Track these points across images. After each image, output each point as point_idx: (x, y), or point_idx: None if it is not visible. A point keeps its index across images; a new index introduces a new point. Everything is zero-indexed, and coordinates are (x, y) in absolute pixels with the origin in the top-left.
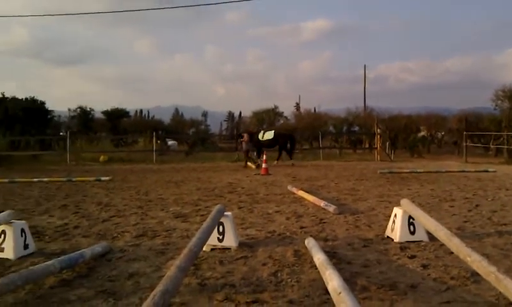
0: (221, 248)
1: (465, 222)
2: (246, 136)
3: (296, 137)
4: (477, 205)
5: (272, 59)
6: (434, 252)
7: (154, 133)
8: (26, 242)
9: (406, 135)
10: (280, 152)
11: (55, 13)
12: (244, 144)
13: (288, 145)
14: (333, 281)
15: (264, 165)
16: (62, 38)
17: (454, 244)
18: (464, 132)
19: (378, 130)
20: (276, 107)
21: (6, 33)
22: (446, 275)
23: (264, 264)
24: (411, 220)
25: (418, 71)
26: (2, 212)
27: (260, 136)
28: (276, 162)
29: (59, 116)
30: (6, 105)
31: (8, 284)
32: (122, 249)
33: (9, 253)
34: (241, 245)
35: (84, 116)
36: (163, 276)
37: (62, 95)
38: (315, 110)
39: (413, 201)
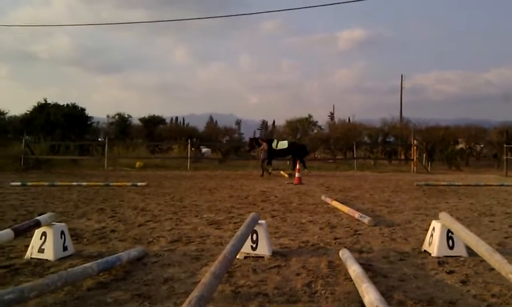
0: (255, 256)
1: (506, 238)
2: (265, 145)
3: (307, 147)
4: None
5: (307, 69)
6: (473, 268)
7: (189, 141)
8: (65, 244)
9: (444, 147)
10: (302, 161)
11: (96, 22)
12: (262, 153)
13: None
14: (369, 295)
15: (297, 175)
16: (103, 47)
17: (496, 260)
18: (505, 145)
19: (415, 141)
20: (310, 116)
21: (50, 41)
22: (486, 292)
23: (298, 274)
24: (449, 234)
25: (457, 82)
26: (43, 214)
27: (273, 145)
28: (306, 171)
29: (98, 122)
30: (48, 110)
31: (48, 284)
32: (157, 253)
33: (49, 254)
34: (274, 254)
35: (122, 122)
36: (197, 282)
37: (101, 102)
38: (349, 120)
39: (452, 215)
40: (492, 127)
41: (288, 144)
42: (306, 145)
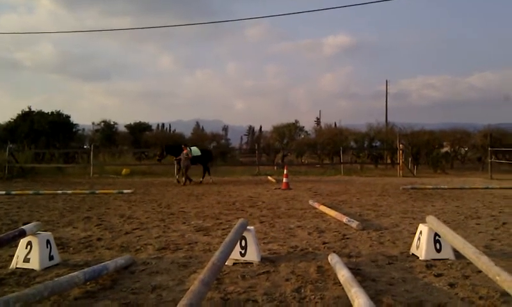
0: (244, 262)
1: (492, 240)
2: (188, 151)
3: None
4: (504, 223)
5: (293, 74)
6: (461, 271)
7: None
8: (51, 253)
9: (429, 151)
10: (206, 168)
11: (81, 29)
12: (184, 160)
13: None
14: (359, 299)
15: (284, 180)
16: (87, 54)
17: (483, 262)
18: (489, 148)
19: (400, 145)
20: (296, 122)
21: (34, 49)
22: (474, 294)
23: (287, 280)
24: (437, 237)
25: (441, 87)
26: (28, 223)
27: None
28: (202, 179)
29: (83, 129)
30: (32, 118)
31: (34, 294)
32: (145, 261)
33: (34, 264)
34: (263, 260)
35: (107, 129)
36: (186, 290)
37: (87, 109)
38: (335, 125)
39: (438, 218)
40: (476, 131)
41: (202, 151)
42: (211, 151)
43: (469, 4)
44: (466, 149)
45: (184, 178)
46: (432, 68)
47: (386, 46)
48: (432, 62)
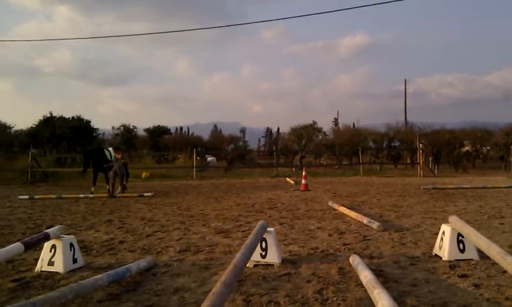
0: (264, 264)
1: None
2: (124, 155)
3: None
4: None
5: (310, 76)
6: (486, 271)
7: (194, 150)
8: (75, 256)
9: (450, 150)
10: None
11: (99, 36)
12: (120, 167)
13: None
14: (382, 301)
15: (303, 181)
16: (106, 59)
17: (508, 263)
18: (511, 147)
19: (420, 145)
20: (314, 123)
21: (54, 55)
22: (500, 295)
23: (308, 281)
24: (460, 237)
25: (460, 86)
26: (52, 226)
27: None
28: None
29: (104, 133)
30: (53, 123)
31: (59, 297)
32: (167, 263)
33: (59, 267)
34: (284, 261)
35: (127, 133)
36: (208, 292)
37: (106, 114)
38: (354, 125)
39: (461, 218)
40: (498, 129)
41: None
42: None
43: (486, 2)
44: (488, 148)
45: (111, 187)
46: (449, 67)
47: (403, 45)
48: (449, 60)
